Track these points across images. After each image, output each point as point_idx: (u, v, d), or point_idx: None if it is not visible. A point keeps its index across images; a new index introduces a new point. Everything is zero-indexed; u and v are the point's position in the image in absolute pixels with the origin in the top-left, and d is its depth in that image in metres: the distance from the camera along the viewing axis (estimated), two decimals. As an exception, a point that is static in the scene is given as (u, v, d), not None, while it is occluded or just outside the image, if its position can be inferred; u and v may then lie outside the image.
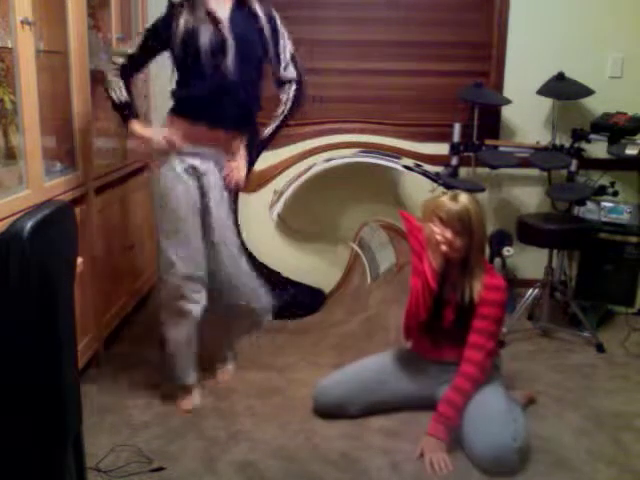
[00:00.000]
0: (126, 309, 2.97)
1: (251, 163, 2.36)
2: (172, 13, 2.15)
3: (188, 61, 2.14)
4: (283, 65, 2.28)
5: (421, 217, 2.20)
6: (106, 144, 2.81)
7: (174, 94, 2.24)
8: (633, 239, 3.25)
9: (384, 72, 3.43)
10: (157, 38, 2.19)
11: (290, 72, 2.30)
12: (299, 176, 3.26)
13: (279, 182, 3.34)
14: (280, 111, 2.32)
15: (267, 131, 2.33)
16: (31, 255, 1.25)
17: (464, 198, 2.12)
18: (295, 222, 3.43)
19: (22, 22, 1.90)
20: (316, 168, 3.24)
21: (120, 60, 2.23)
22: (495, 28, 3.38)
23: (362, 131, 3.41)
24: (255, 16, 2.20)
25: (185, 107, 2.22)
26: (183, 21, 2.12)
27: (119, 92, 2.23)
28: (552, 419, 2.31)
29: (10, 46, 1.91)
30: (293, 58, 2.30)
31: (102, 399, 2.37)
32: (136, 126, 2.25)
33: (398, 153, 3.34)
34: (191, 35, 2.11)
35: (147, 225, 3.25)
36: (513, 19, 3.37)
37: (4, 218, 1.82)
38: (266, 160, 3.28)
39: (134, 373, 2.59)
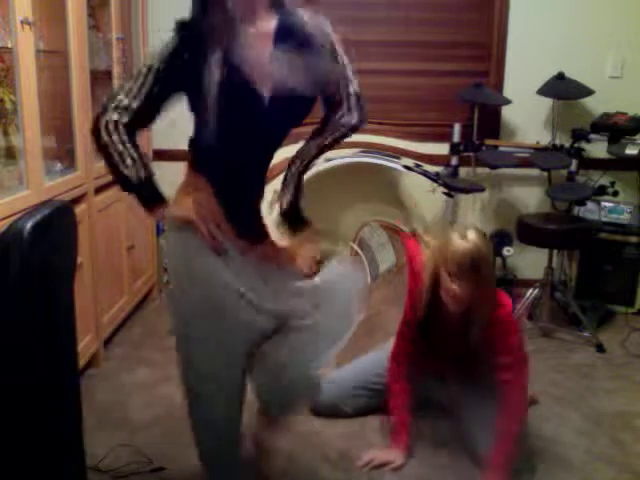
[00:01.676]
0: (126, 309, 2.97)
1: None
2: (184, 39, 1.43)
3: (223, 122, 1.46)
4: (344, 110, 1.73)
5: (427, 262, 1.98)
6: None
7: (193, 143, 1.59)
8: (633, 239, 3.25)
9: (384, 72, 3.43)
10: (168, 81, 1.45)
11: (353, 117, 1.74)
12: (299, 176, 3.25)
13: (279, 182, 3.33)
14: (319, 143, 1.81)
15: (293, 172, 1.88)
16: (31, 255, 1.26)
17: (474, 247, 1.84)
18: (295, 222, 3.42)
19: (22, 22, 1.90)
20: (316, 168, 3.24)
21: (116, 117, 1.43)
22: (495, 28, 3.38)
23: (362, 131, 3.38)
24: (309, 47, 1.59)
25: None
26: (215, 65, 1.40)
27: (130, 164, 1.46)
28: (552, 419, 2.31)
29: (10, 46, 1.92)
30: (358, 100, 1.71)
31: (102, 399, 2.37)
32: (163, 212, 1.61)
33: (398, 153, 3.33)
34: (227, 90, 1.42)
35: (147, 225, 3.25)
36: (513, 19, 3.37)
37: (4, 218, 1.82)
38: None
39: (134, 373, 2.59)
